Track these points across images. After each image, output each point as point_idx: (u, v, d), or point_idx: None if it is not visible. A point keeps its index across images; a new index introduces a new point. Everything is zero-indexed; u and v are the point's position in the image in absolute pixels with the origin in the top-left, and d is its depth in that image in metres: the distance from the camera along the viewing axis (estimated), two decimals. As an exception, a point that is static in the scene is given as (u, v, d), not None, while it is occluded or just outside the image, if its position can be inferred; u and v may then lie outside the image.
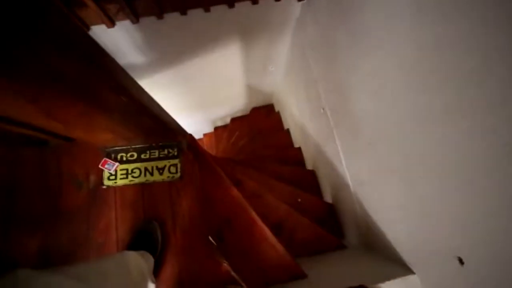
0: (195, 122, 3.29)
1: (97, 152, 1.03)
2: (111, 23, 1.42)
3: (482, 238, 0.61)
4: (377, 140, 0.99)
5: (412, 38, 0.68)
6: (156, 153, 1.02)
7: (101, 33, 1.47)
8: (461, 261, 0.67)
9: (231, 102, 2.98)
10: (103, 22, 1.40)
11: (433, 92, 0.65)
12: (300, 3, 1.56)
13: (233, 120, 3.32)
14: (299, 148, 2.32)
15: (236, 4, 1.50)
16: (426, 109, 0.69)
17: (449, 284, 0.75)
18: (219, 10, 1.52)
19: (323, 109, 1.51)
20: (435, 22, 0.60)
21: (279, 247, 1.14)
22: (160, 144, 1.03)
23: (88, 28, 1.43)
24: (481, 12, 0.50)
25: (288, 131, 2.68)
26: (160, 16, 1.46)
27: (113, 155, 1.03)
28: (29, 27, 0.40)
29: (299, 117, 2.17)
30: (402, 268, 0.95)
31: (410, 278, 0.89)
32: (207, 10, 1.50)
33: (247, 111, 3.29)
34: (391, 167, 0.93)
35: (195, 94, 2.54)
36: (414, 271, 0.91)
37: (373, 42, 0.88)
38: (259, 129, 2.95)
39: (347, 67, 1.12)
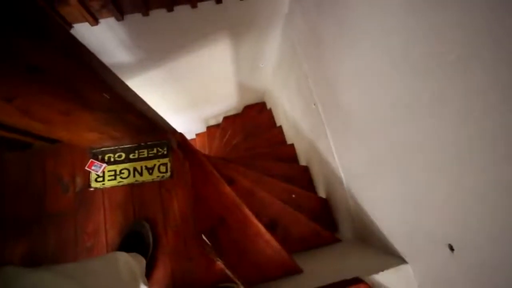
0: (187, 122, 3.25)
1: (84, 153, 1.00)
2: (94, 20, 1.38)
3: (470, 224, 0.62)
4: (367, 133, 0.99)
5: (399, 29, 0.68)
6: (145, 153, 0.99)
7: (85, 32, 1.42)
8: (451, 248, 0.67)
9: (223, 101, 2.96)
10: (86, 20, 1.36)
11: (420, 83, 0.65)
12: (289, -3, 1.55)
13: (226, 118, 3.30)
14: (292, 145, 2.32)
15: (224, 0, 1.48)
16: (413, 100, 0.69)
17: (441, 271, 0.76)
18: (206, 6, 1.49)
19: (315, 104, 1.51)
20: (422, 14, 0.60)
21: (274, 243, 1.13)
22: (149, 143, 1.01)
23: (70, 26, 1.38)
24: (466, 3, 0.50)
25: (280, 128, 2.67)
26: (145, 13, 1.43)
27: (100, 156, 1.00)
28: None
29: (291, 113, 2.17)
30: (395, 258, 0.96)
31: (403, 267, 0.89)
32: (194, 6, 1.47)
33: (239, 109, 3.27)
34: (381, 159, 0.93)
35: (186, 93, 2.50)
36: (407, 260, 0.91)
37: (360, 34, 0.88)
38: (252, 127, 2.94)
39: (336, 61, 1.12)
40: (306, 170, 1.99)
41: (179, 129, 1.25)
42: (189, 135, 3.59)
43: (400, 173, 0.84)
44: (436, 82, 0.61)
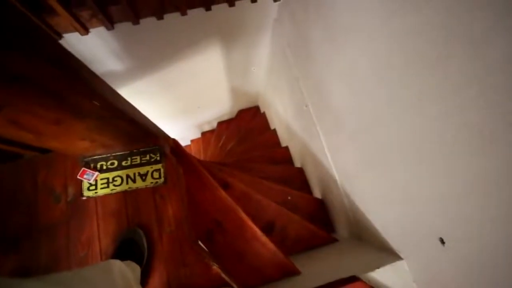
0: (181, 129, 3.25)
1: (75, 162, 0.99)
2: (84, 30, 1.39)
3: (459, 217, 0.63)
4: (357, 132, 1.01)
5: (383, 32, 0.70)
6: (138, 159, 0.99)
7: (75, 41, 1.43)
8: (442, 242, 0.69)
9: (217, 106, 2.97)
10: (76, 30, 1.36)
11: (404, 82, 0.67)
12: (277, 3, 1.59)
13: (220, 123, 3.31)
14: (287, 147, 2.34)
15: (213, 7, 1.51)
16: (398, 98, 0.71)
17: (435, 265, 0.77)
18: (196, 13, 1.51)
19: (306, 106, 1.53)
20: (405, 14, 0.62)
21: (271, 245, 1.13)
22: (142, 149, 1.01)
23: (60, 36, 1.39)
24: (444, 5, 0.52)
25: (274, 130, 2.69)
26: (136, 21, 1.44)
27: (92, 165, 0.99)
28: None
29: (284, 115, 2.19)
30: (390, 255, 0.97)
31: (398, 264, 0.90)
32: (184, 13, 1.49)
33: (233, 114, 3.29)
34: (371, 157, 0.95)
35: (179, 100, 2.51)
36: (402, 256, 0.92)
37: (345, 37, 0.90)
38: (246, 131, 2.95)
39: (324, 63, 1.14)
40: (301, 171, 2.00)
41: (174, 136, 1.25)
42: (184, 142, 3.58)
43: (389, 170, 0.85)
44: (417, 82, 0.63)
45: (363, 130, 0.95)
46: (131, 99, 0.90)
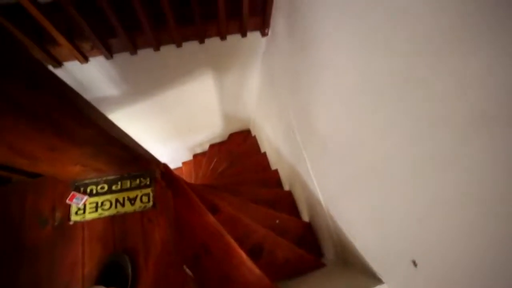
0: (173, 151, 3.28)
1: (65, 186, 1.01)
2: (84, 59, 1.47)
3: (425, 238, 0.68)
4: (339, 156, 1.08)
5: (360, 62, 0.79)
6: (128, 183, 1.02)
7: (74, 69, 1.50)
8: (414, 264, 0.73)
9: (209, 129, 3.05)
10: (76, 59, 1.45)
11: (377, 110, 0.75)
12: (264, 38, 1.74)
13: (212, 146, 3.36)
14: (276, 170, 2.39)
15: (206, 40, 1.64)
16: (370, 125, 0.79)
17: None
18: (190, 45, 1.64)
19: (293, 131, 1.62)
20: (372, 53, 0.72)
21: (257, 271, 1.14)
22: (132, 174, 1.04)
23: (60, 64, 1.46)
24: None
25: (265, 154, 2.76)
26: (134, 52, 1.54)
27: (82, 189, 1.01)
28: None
29: (274, 140, 2.27)
30: (373, 279, 0.99)
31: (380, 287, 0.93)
32: (179, 45, 1.61)
33: (225, 137, 3.36)
34: (352, 181, 1.01)
35: (173, 124, 2.57)
36: (384, 280, 0.95)
37: (326, 71, 1.01)
38: (237, 154, 3.01)
39: (307, 93, 1.25)
40: (289, 194, 2.03)
41: (165, 158, 1.29)
42: (176, 164, 3.59)
43: (368, 193, 0.91)
44: (391, 108, 0.70)
45: (344, 155, 1.03)
46: (125, 122, 0.95)
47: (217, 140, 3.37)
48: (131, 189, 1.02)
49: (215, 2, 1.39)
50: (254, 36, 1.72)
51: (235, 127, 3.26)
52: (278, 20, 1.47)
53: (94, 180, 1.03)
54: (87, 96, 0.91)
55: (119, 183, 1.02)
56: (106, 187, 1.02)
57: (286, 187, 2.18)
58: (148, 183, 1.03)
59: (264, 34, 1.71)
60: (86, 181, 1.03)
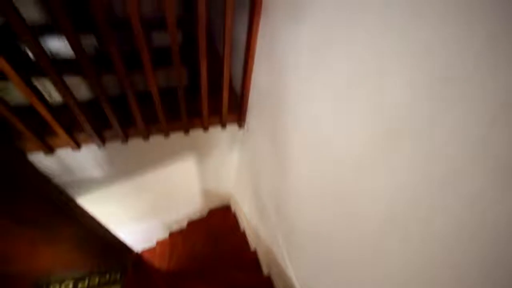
0: (148, 229, 3.11)
1: (26, 285, 0.96)
2: (77, 147, 1.61)
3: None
4: (307, 239, 1.16)
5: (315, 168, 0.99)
6: (96, 280, 0.99)
7: (64, 154, 1.61)
8: None
9: (187, 206, 3.04)
10: (69, 146, 1.58)
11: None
12: (242, 129, 2.04)
13: (190, 224, 3.26)
14: (255, 251, 2.33)
15: (190, 131, 1.89)
16: (336, 205, 0.92)
17: None
18: (176, 135, 1.87)
19: (268, 210, 1.71)
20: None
21: None
22: (102, 269, 1.02)
23: (53, 152, 1.58)
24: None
25: (244, 232, 2.72)
26: (125, 141, 1.72)
27: (44, 287, 0.96)
28: None
29: (252, 218, 2.31)
30: None
31: None
32: (167, 136, 1.83)
33: (204, 213, 3.31)
34: (325, 267, 1.07)
35: (150, 202, 2.57)
36: None
37: (293, 156, 1.20)
38: (215, 232, 2.93)
39: (280, 174, 1.42)
40: (268, 281, 1.94)
41: (139, 237, 1.27)
42: (150, 243, 3.34)
43: (344, 280, 0.96)
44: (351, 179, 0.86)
45: (313, 239, 1.11)
46: (104, 202, 1.00)
47: (196, 216, 3.30)
48: (99, 286, 0.98)
49: (199, 103, 1.69)
50: (232, 128, 2.01)
51: (215, 203, 3.28)
52: (252, 117, 1.78)
53: (59, 277, 1.00)
54: (70, 177, 0.96)
55: (87, 279, 0.99)
56: (70, 285, 0.98)
57: (265, 270, 2.09)
58: (118, 278, 1.01)
59: (241, 126, 2.01)
60: (51, 278, 0.99)
